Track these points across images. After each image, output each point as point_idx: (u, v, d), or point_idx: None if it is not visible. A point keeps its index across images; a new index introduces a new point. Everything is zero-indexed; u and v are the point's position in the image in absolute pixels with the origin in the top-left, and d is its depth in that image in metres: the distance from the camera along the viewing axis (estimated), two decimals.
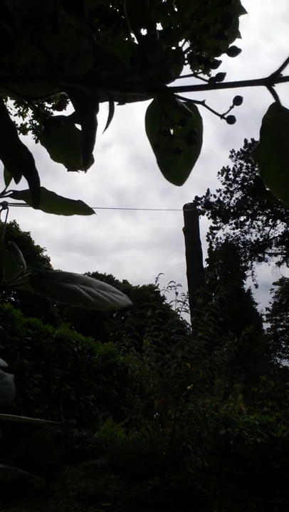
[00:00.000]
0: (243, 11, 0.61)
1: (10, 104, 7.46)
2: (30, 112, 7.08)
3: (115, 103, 0.44)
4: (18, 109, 7.06)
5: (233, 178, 22.17)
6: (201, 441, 4.11)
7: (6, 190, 0.63)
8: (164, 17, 4.00)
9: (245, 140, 22.02)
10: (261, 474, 3.89)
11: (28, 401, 4.74)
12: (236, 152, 22.20)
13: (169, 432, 4.21)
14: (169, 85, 0.43)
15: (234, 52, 0.40)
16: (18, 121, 9.38)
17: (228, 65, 0.48)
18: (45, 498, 3.65)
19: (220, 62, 0.41)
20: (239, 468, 4.05)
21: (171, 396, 4.20)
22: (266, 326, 21.27)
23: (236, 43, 0.51)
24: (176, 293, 4.78)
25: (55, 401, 5.30)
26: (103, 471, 4.22)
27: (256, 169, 20.76)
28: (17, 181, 0.49)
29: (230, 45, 0.41)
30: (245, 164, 21.88)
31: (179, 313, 4.81)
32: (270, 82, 0.40)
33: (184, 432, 4.13)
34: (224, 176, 22.25)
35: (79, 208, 0.66)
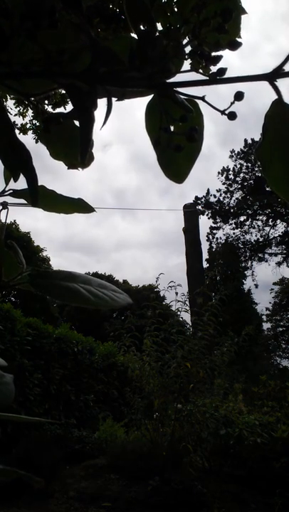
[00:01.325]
0: (242, 11, 0.61)
1: (10, 104, 7.46)
2: (30, 112, 7.08)
3: (114, 99, 0.44)
4: (18, 109, 7.05)
5: (233, 178, 22.16)
6: (201, 441, 4.11)
7: (6, 189, 0.63)
8: (163, 17, 4.00)
9: (245, 140, 22.02)
10: (261, 474, 3.88)
11: (28, 401, 4.73)
12: (236, 152, 22.19)
13: (169, 432, 4.21)
14: (169, 81, 0.42)
15: (235, 45, 0.40)
16: (18, 121, 9.38)
17: (228, 65, 0.47)
18: (45, 498, 3.64)
19: (221, 57, 0.41)
20: (239, 468, 4.05)
21: (171, 396, 4.20)
22: (266, 326, 21.29)
23: None
24: (176, 293, 4.78)
25: (55, 401, 5.29)
26: (103, 471, 4.22)
27: (256, 169, 20.77)
28: (15, 180, 0.49)
29: (231, 39, 0.40)
30: (245, 164, 21.88)
31: (179, 313, 4.82)
32: (272, 77, 0.39)
33: (184, 432, 4.13)
34: (224, 176, 22.25)
35: (79, 206, 0.65)
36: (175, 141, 0.46)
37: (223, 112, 0.41)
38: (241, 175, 22.00)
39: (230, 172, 22.18)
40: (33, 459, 3.84)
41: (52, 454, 4.12)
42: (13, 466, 0.52)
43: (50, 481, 3.87)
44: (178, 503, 3.43)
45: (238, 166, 22.08)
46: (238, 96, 0.40)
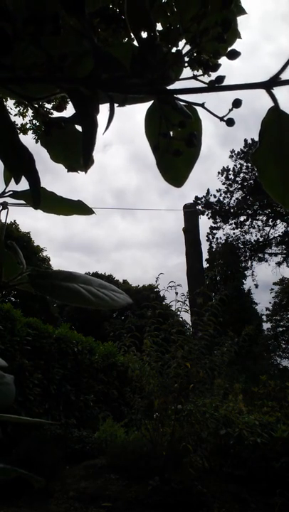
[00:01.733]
0: (242, 12, 0.61)
1: (10, 104, 7.46)
2: (30, 112, 7.08)
3: (115, 105, 0.45)
4: (18, 109, 7.06)
5: (233, 178, 22.17)
6: (201, 441, 4.11)
7: (6, 191, 0.63)
8: (163, 17, 4.00)
9: (245, 140, 22.04)
10: (261, 474, 3.89)
11: (28, 401, 4.73)
12: (236, 152, 22.21)
13: (169, 432, 4.21)
14: (169, 87, 0.43)
15: (234, 55, 0.41)
16: (18, 121, 9.39)
17: (228, 65, 0.48)
18: (45, 498, 3.65)
19: (220, 65, 0.42)
20: (239, 468, 4.05)
21: (171, 396, 4.20)
22: (266, 326, 21.30)
23: (236, 43, 0.51)
24: (176, 293, 4.78)
25: (55, 401, 5.29)
26: (103, 471, 4.22)
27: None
28: (17, 182, 0.49)
29: (230, 49, 0.41)
30: (245, 164, 21.88)
31: (179, 313, 4.82)
32: (269, 85, 0.40)
33: (184, 432, 4.13)
34: (224, 175, 22.26)
35: (79, 207, 0.66)
36: (174, 146, 0.46)
37: (221, 119, 0.42)
38: (241, 175, 22.01)
39: (230, 172, 22.19)
40: (33, 459, 3.84)
41: (52, 454, 4.13)
42: (14, 466, 0.52)
43: (50, 480, 3.87)
44: (178, 503, 3.43)
45: (238, 166, 22.10)
46: (237, 103, 0.41)
